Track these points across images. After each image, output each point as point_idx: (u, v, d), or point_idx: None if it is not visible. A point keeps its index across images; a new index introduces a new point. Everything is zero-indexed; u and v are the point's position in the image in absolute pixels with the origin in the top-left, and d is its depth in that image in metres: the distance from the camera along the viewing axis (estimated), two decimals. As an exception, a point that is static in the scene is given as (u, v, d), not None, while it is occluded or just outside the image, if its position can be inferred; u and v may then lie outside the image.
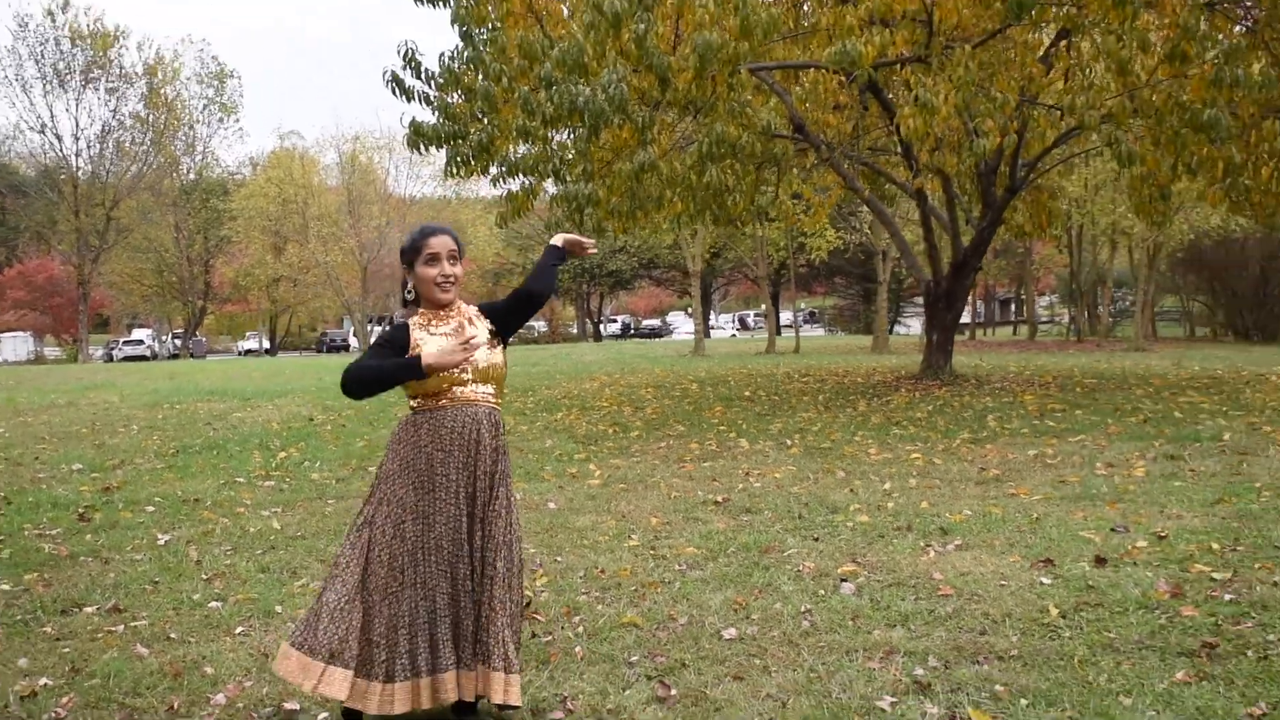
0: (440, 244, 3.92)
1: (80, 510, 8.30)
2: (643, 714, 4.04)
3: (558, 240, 4.17)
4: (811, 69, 11.61)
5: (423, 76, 12.20)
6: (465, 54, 11.28)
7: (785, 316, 62.47)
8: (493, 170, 12.03)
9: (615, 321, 77.10)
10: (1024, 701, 3.98)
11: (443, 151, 12.37)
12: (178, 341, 65.10)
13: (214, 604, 5.72)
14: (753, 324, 77.91)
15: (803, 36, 12.79)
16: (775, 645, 4.70)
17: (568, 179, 10.93)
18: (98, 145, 50.26)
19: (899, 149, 14.15)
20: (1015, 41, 11.48)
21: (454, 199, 62.00)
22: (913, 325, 62.68)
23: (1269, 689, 4.00)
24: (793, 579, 5.71)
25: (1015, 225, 16.29)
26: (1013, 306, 73.21)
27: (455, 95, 12.09)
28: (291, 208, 55.27)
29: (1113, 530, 6.44)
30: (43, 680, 4.65)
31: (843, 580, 5.63)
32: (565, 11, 12.80)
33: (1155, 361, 21.02)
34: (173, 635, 5.22)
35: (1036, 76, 10.75)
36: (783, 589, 5.54)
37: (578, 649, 4.76)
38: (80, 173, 50.02)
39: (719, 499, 7.88)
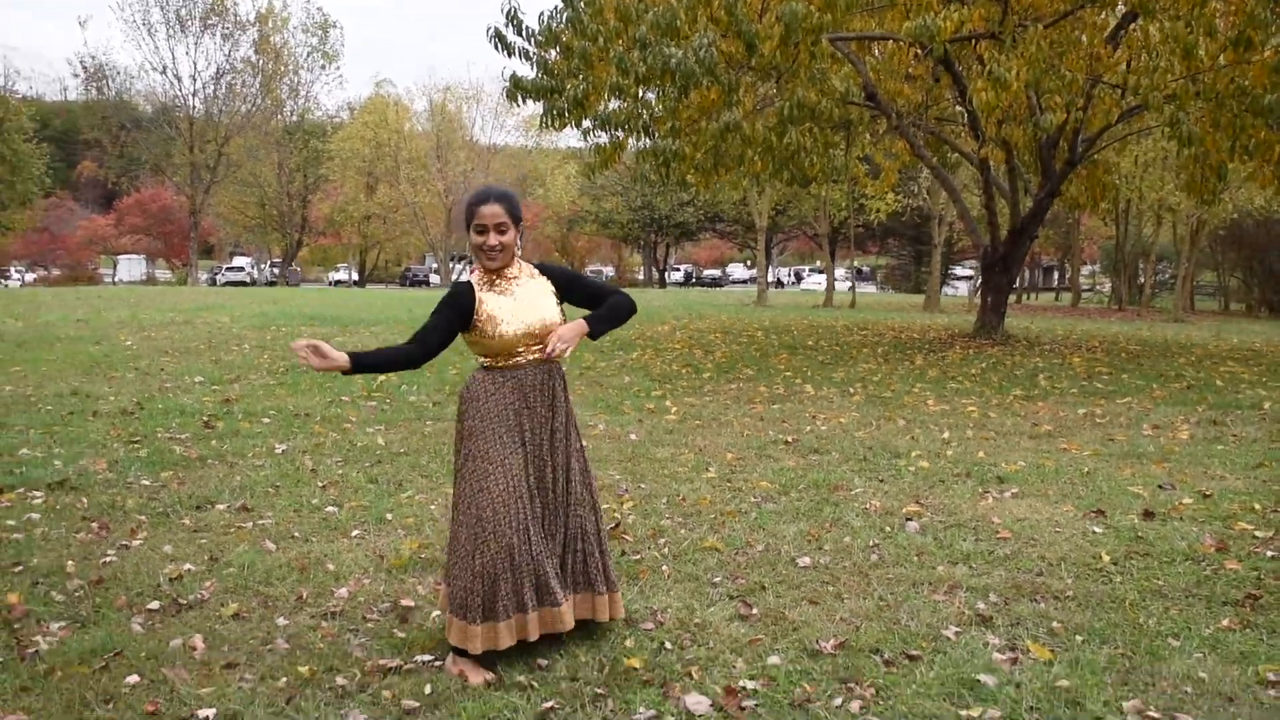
0: (489, 214, 3.72)
1: (205, 418, 8.55)
2: (726, 629, 4.13)
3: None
4: (888, 41, 11.43)
5: (523, 34, 12.21)
6: (565, 14, 11.26)
7: (839, 273, 61.99)
8: (586, 124, 12.03)
9: (679, 270, 77.08)
10: (1079, 638, 4.03)
11: (533, 104, 12.41)
12: (275, 270, 65.96)
13: (330, 509, 5.90)
14: (807, 277, 77.75)
15: (879, 10, 12.60)
16: (847, 575, 4.78)
17: (656, 135, 10.93)
18: (212, 86, 50.83)
19: (965, 120, 13.95)
20: (1086, 22, 11.27)
21: (534, 149, 62.04)
22: (960, 287, 61.97)
23: (1311, 640, 4.02)
24: (860, 516, 5.78)
25: (1070, 197, 16.07)
26: (1055, 274, 71.89)
27: (553, 52, 12.08)
28: (384, 151, 55.64)
29: (1160, 487, 6.43)
30: (186, 565, 4.86)
31: (907, 519, 5.68)
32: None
33: (1195, 333, 20.67)
34: (296, 534, 5.41)
35: (1103, 57, 10.55)
36: (852, 524, 5.61)
37: (664, 568, 4.86)
38: (195, 111, 50.66)
39: (789, 439, 7.94)
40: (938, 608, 4.36)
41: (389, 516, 5.74)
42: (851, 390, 10.52)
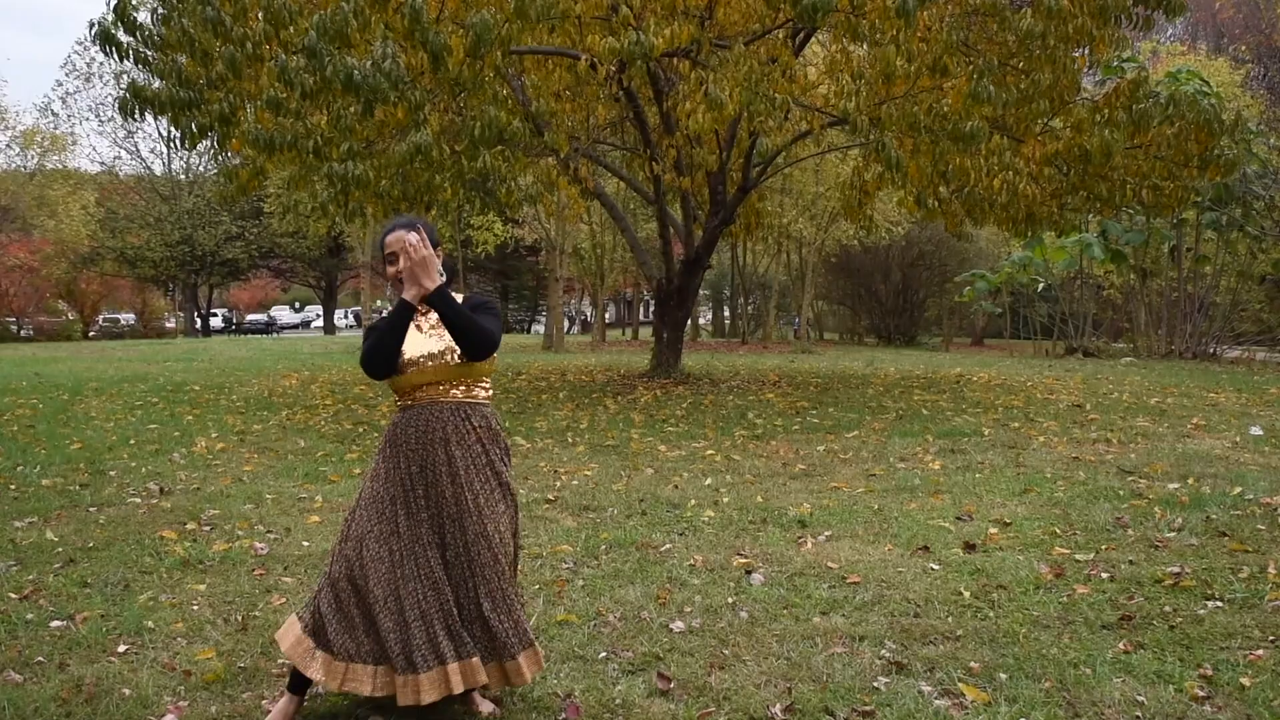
0: (393, 240, 4.05)
1: None
2: (656, 706, 4.23)
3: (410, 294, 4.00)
4: (578, 59, 11.82)
5: (139, 35, 11.55)
6: (203, 11, 10.73)
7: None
8: (239, 143, 11.54)
9: (215, 316, 72.73)
10: (1003, 675, 4.48)
11: (152, 118, 11.81)
12: None
13: (57, 623, 5.35)
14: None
15: (555, 22, 13.00)
16: (733, 636, 5.00)
17: (330, 158, 10.67)
18: None
19: (643, 146, 14.69)
20: (779, 41, 12.27)
21: (38, 173, 57.64)
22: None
23: (1200, 652, 4.69)
24: (692, 572, 6.02)
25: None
26: (640, 308, 73.83)
27: (181, 57, 11.48)
28: None
29: (959, 519, 7.17)
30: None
31: (747, 572, 5.99)
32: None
33: (848, 363, 22.70)
34: (40, 659, 4.87)
35: (799, 79, 11.56)
36: (691, 582, 5.84)
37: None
38: None
39: (549, 497, 8.07)
40: (849, 660, 4.67)
41: (150, 625, 5.30)
42: (570, 440, 10.78)
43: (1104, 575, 5.81)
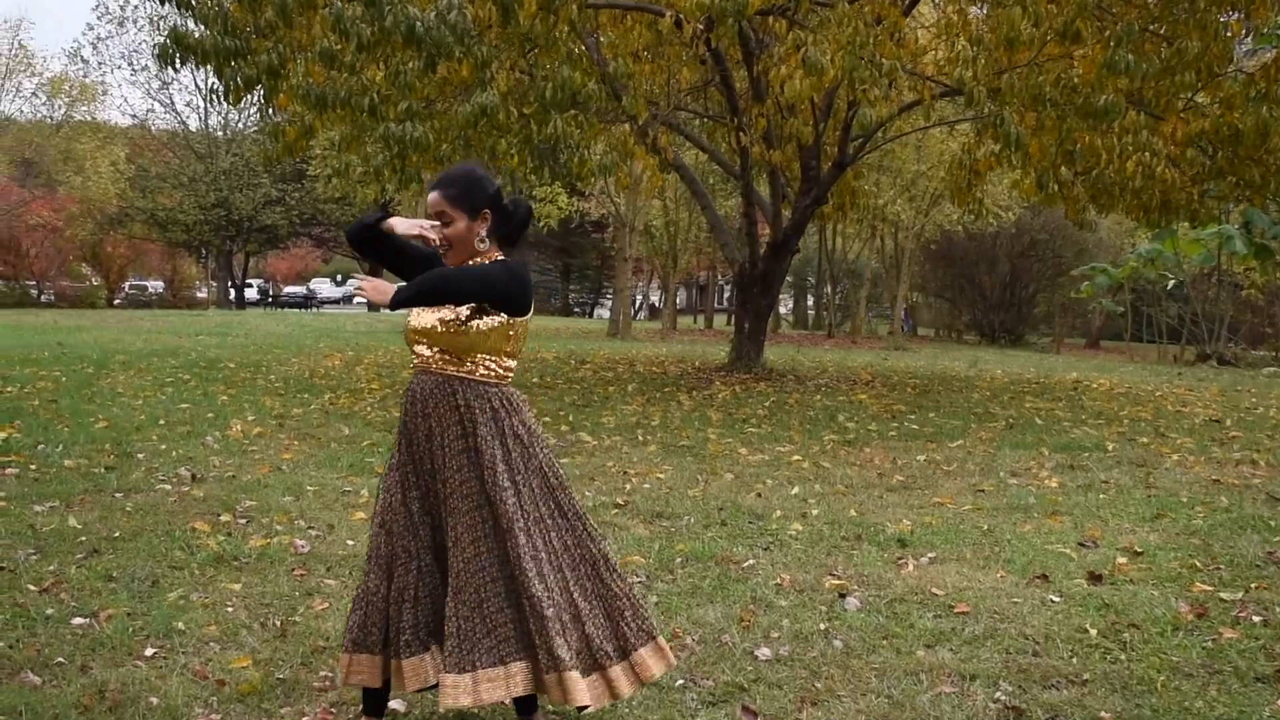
0: (430, 203, 3.99)
1: None
2: (741, 745, 4.16)
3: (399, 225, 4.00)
4: (663, 15, 11.73)
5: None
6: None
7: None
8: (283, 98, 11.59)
9: (250, 286, 73.01)
10: (1139, 730, 4.34)
11: (194, 69, 11.90)
12: None
13: (80, 621, 5.36)
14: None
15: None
16: (827, 668, 4.89)
17: (387, 118, 10.68)
18: None
19: (730, 115, 14.61)
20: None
21: (65, 124, 58.41)
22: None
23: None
24: (779, 593, 5.93)
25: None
26: (714, 294, 73.19)
27: (226, 2, 11.55)
28: None
29: (1081, 545, 7.01)
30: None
31: (841, 595, 5.89)
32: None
33: (945, 362, 22.54)
34: (60, 660, 4.88)
35: (908, 43, 11.40)
36: (778, 604, 5.75)
37: (604, 672, 4.79)
38: None
39: (619, 501, 8.02)
40: (959, 702, 4.55)
41: (181, 626, 5.30)
42: (641, 439, 10.75)
43: (1255, 619, 5.63)
